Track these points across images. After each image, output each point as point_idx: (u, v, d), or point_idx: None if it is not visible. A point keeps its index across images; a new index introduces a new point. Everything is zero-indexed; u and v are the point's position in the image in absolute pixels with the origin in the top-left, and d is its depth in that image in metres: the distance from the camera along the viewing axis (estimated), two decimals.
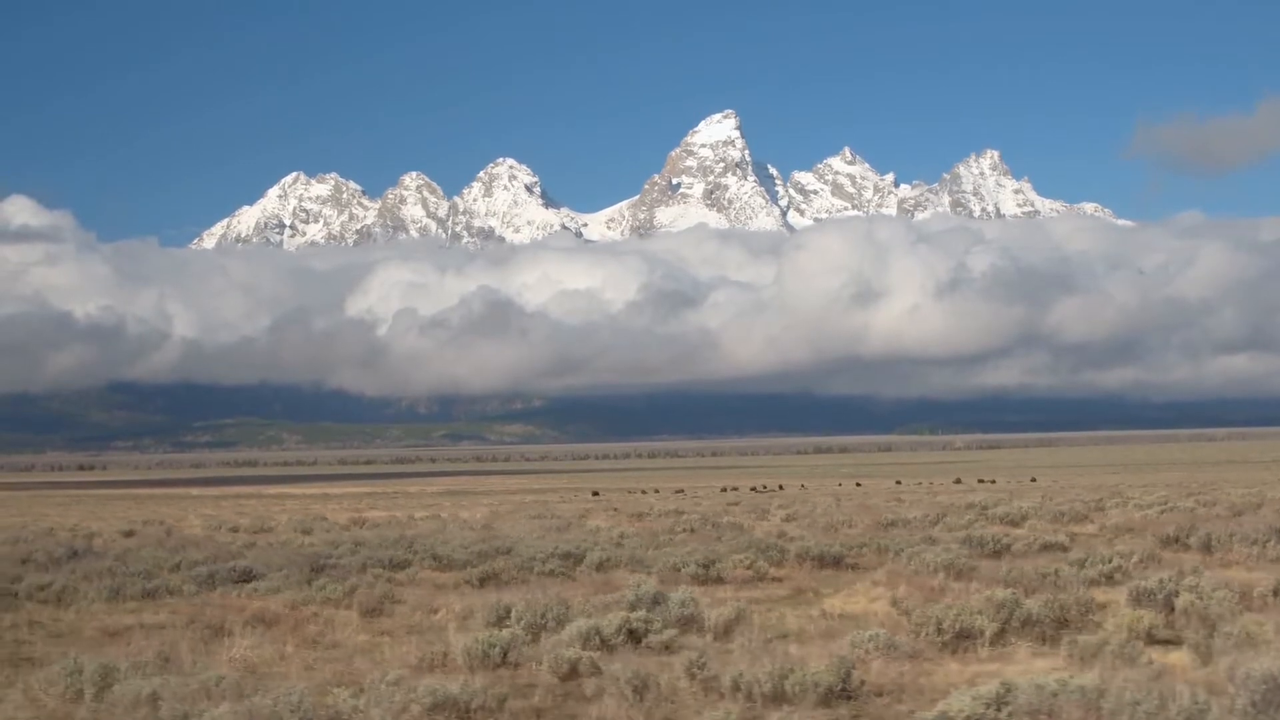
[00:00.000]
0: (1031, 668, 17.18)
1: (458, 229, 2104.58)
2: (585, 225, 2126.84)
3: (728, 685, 15.57)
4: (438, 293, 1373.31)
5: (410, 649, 21.03)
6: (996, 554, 34.06)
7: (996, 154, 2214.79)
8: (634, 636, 19.78)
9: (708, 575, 30.79)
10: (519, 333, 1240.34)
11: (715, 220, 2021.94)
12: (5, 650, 23.73)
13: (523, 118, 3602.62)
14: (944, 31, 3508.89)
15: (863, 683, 16.05)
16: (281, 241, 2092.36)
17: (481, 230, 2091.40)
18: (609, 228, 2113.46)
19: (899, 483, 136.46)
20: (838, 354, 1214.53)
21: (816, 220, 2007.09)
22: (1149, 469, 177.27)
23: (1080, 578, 25.25)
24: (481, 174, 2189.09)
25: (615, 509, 78.22)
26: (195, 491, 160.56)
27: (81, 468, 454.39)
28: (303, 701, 13.58)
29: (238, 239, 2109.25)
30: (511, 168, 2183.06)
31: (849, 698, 15.65)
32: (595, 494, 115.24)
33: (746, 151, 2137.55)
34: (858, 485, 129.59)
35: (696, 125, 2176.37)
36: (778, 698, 15.24)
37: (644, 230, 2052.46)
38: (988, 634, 18.88)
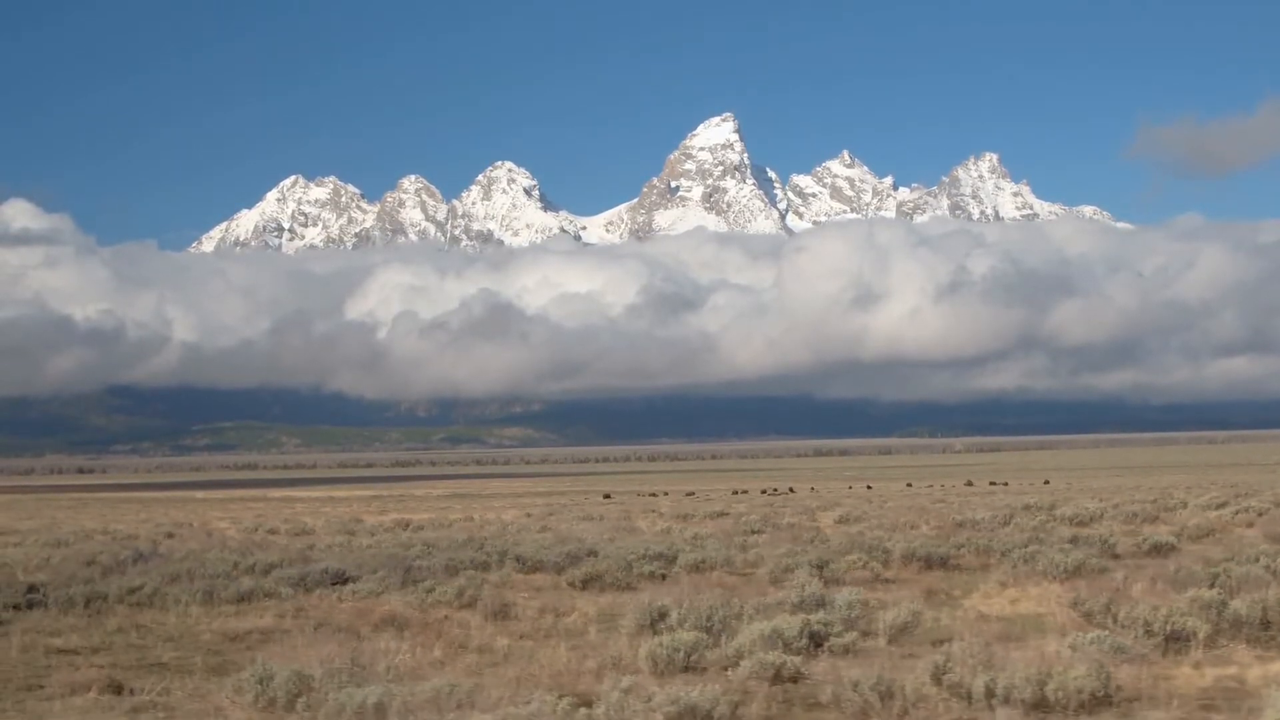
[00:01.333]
0: (1269, 671, 16.37)
1: (456, 232, 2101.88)
2: (584, 228, 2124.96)
3: (980, 691, 14.56)
4: (437, 296, 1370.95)
5: (566, 653, 20.10)
6: (1109, 555, 33.25)
7: (995, 157, 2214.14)
8: (814, 640, 18.87)
9: (823, 576, 29.85)
10: (518, 336, 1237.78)
11: (714, 223, 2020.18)
12: (130, 655, 22.76)
13: (521, 121, 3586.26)
14: (942, 34, 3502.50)
15: (1120, 687, 15.13)
16: (280, 245, 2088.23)
17: (480, 233, 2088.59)
18: (608, 231, 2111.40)
19: (909, 485, 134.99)
20: (837, 357, 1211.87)
21: (815, 223, 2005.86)
22: (1155, 471, 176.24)
23: (1252, 577, 24.34)
24: (480, 177, 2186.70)
25: (656, 511, 77.34)
26: (200, 495, 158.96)
27: (81, 471, 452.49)
28: (541, 710, 12.66)
29: (236, 242, 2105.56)
30: (510, 171, 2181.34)
31: (1108, 704, 14.69)
32: (606, 496, 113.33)
33: (745, 154, 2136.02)
34: (868, 488, 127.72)
35: (695, 128, 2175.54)
36: (1040, 705, 14.31)
37: (643, 233, 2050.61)
38: (1200, 636, 18.07)
